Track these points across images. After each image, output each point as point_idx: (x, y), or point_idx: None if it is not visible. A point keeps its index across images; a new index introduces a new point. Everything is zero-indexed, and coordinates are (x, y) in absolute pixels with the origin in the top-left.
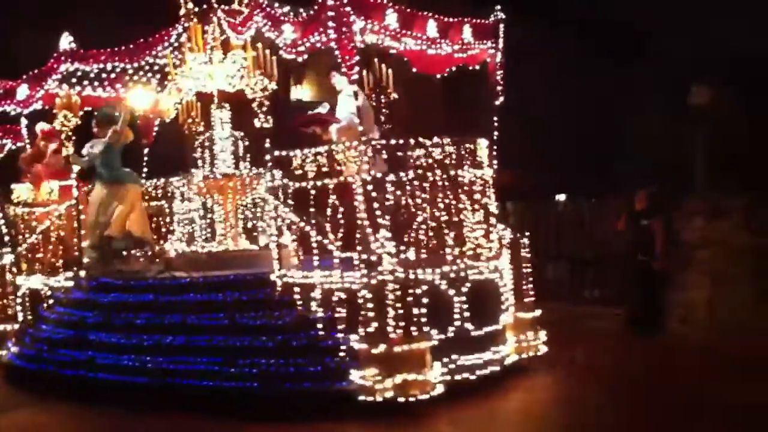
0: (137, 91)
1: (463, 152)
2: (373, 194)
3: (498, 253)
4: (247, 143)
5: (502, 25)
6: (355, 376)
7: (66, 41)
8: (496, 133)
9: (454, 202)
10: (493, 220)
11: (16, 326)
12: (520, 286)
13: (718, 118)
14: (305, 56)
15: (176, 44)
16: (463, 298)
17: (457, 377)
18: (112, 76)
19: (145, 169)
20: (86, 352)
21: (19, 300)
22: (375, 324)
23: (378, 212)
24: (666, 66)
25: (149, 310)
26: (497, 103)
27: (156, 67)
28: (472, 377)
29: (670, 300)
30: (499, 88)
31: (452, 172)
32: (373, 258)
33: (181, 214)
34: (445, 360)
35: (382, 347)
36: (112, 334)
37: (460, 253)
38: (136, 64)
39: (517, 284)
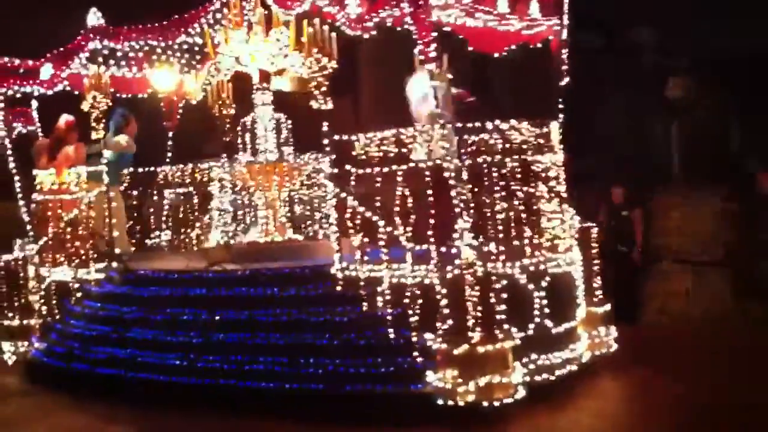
0: (161, 71)
1: (538, 136)
2: (451, 182)
3: (572, 244)
4: (290, 126)
5: (567, 0)
6: (431, 377)
7: (94, 17)
8: (560, 116)
9: (530, 189)
10: (567, 209)
11: (39, 321)
12: (591, 278)
13: (693, 110)
14: (372, 33)
15: (213, 21)
16: (543, 293)
17: (537, 378)
18: (140, 55)
19: (169, 154)
20: (126, 350)
21: (42, 293)
22: (451, 322)
23: (456, 201)
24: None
25: (197, 305)
26: (562, 84)
27: (185, 46)
28: (552, 378)
29: (649, 291)
30: (564, 67)
31: (528, 158)
32: (451, 250)
33: (221, 203)
34: (525, 360)
35: (464, 347)
36: (156, 331)
37: (538, 245)
38: (169, 42)
39: (587, 277)
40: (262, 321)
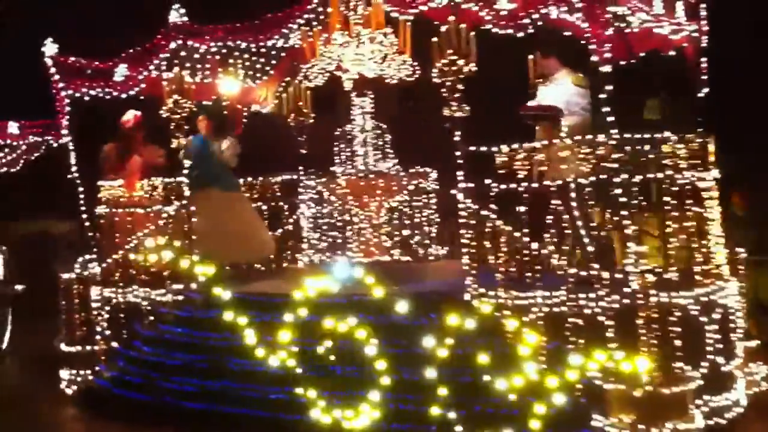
0: (229, 77)
1: (691, 151)
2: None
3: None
4: (388, 137)
5: (703, 4)
6: (599, 421)
7: (176, 14)
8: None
9: (698, 210)
10: (719, 232)
11: (104, 347)
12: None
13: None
14: (525, 32)
15: (308, 22)
16: (716, 326)
17: (710, 422)
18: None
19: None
20: (219, 382)
21: (107, 316)
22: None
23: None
24: None
25: (303, 333)
26: (701, 94)
27: (263, 50)
28: (722, 422)
29: None
30: (703, 77)
31: (685, 175)
32: (618, 276)
33: (314, 219)
34: (698, 402)
35: (645, 389)
36: (255, 361)
37: (707, 272)
38: (250, 45)
39: None
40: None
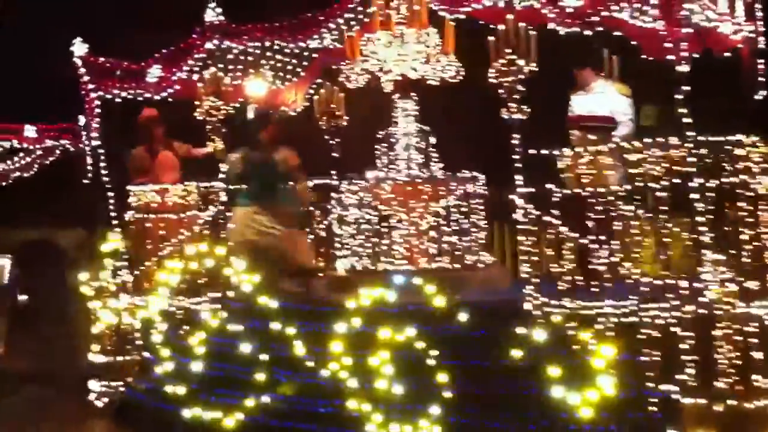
0: (257, 79)
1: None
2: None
3: None
4: (433, 140)
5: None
6: None
7: (212, 13)
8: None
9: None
10: None
11: (137, 357)
12: None
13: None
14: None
15: (348, 22)
16: None
17: None
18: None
19: None
20: (266, 395)
21: (140, 326)
22: (698, 372)
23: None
24: None
25: (357, 344)
26: (759, 96)
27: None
28: None
29: None
30: (761, 79)
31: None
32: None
33: (352, 226)
34: None
35: (727, 403)
36: (304, 373)
37: None
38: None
39: None
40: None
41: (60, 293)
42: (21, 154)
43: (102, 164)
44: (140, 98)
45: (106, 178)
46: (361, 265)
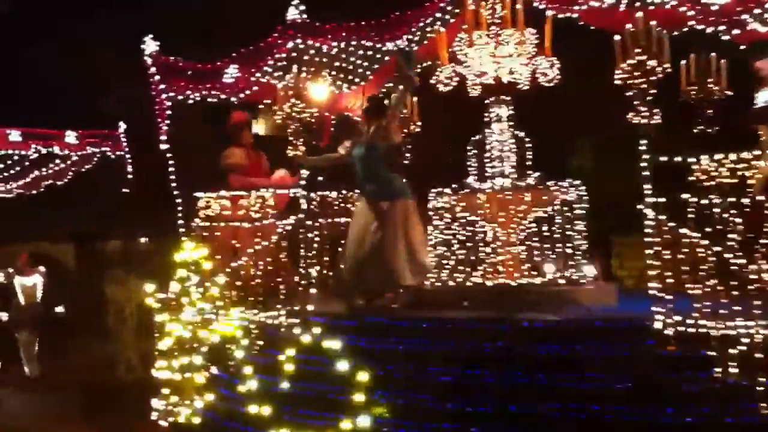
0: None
1: None
2: None
3: None
4: (529, 145)
5: None
6: None
7: (295, 11)
8: None
9: None
10: None
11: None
12: None
13: None
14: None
15: (440, 21)
16: None
17: None
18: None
19: (319, 178)
20: (363, 416)
21: (212, 341)
22: None
23: None
24: None
25: (459, 365)
26: None
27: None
28: None
29: None
30: None
31: None
32: None
33: (441, 237)
34: None
35: None
36: (406, 394)
37: None
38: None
39: None
40: (544, 385)
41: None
42: (57, 161)
43: (171, 169)
44: (214, 99)
45: (174, 184)
46: (454, 280)
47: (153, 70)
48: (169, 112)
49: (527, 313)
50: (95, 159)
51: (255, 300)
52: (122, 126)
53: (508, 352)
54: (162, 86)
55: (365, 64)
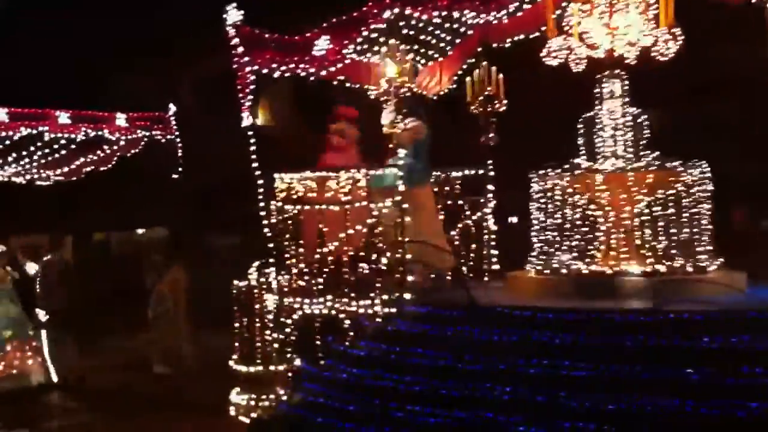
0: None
1: None
2: None
3: None
4: (647, 124)
5: None
6: None
7: None
8: None
9: None
10: None
11: (288, 366)
12: None
13: None
14: None
15: None
16: None
17: None
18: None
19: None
20: (474, 411)
21: (292, 331)
22: None
23: None
24: None
25: (555, 355)
26: None
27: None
28: None
29: None
30: None
31: None
32: None
33: (551, 221)
34: None
35: None
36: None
37: None
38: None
39: None
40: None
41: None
42: (105, 146)
43: (252, 148)
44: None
45: (255, 164)
46: (563, 266)
47: (236, 41)
48: (252, 86)
49: (666, 303)
50: (142, 144)
51: (344, 288)
52: (172, 108)
53: (659, 345)
54: (245, 59)
55: (448, 38)
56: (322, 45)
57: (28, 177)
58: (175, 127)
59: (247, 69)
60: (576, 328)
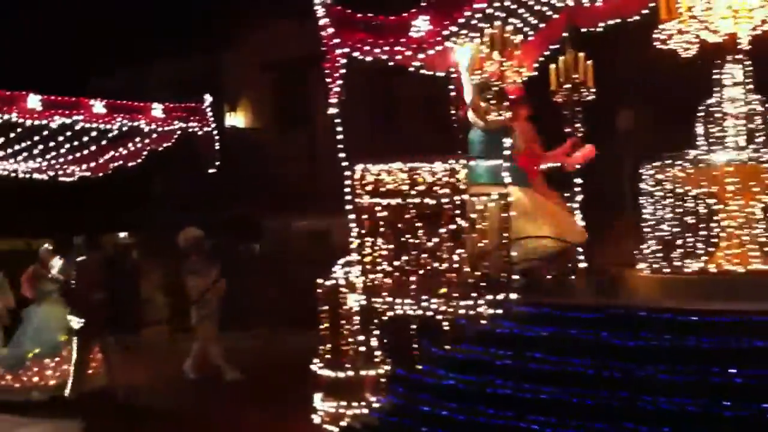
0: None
1: None
2: None
3: None
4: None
5: None
6: None
7: None
8: None
9: None
10: None
11: (379, 371)
12: None
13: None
14: None
15: None
16: None
17: None
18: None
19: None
20: (613, 424)
21: (381, 333)
22: None
23: None
24: None
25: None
26: None
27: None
28: None
29: None
30: None
31: None
32: None
33: (660, 218)
34: None
35: None
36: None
37: None
38: None
39: None
40: None
41: None
42: (137, 139)
43: (340, 137)
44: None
45: (343, 154)
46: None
47: (325, 21)
48: (343, 70)
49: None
50: (175, 136)
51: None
52: (208, 98)
53: None
54: (335, 41)
55: (534, 21)
56: (421, 26)
57: (51, 173)
58: (212, 118)
59: (337, 51)
60: (723, 332)
